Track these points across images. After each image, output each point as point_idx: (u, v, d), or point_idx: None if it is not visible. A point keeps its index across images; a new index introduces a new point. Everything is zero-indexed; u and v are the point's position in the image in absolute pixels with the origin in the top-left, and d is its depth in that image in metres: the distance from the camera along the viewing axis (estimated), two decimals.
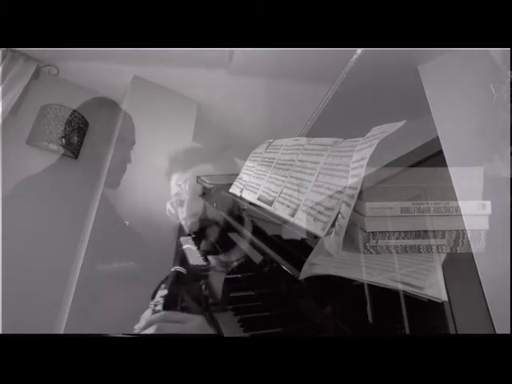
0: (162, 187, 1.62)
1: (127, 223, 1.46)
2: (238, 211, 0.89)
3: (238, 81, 1.76)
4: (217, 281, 0.78)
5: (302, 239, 0.60)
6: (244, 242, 0.85)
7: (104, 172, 1.55)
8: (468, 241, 0.43)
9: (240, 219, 0.84)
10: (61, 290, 1.31)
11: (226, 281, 0.84)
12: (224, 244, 0.89)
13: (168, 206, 0.91)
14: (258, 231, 0.77)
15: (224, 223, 1.00)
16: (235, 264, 0.77)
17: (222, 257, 0.82)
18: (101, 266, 1.29)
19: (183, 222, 0.85)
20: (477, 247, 0.43)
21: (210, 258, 0.78)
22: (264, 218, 0.75)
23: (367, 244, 0.45)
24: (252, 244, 0.80)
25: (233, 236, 0.96)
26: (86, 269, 1.31)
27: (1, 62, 1.49)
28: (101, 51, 1.57)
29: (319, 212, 0.57)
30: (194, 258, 1.03)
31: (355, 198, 0.46)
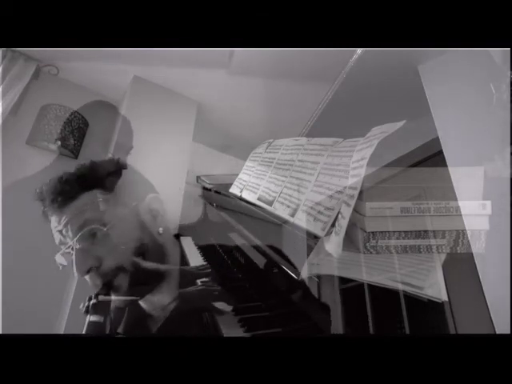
0: (163, 187, 1.62)
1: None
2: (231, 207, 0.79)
3: (237, 81, 1.76)
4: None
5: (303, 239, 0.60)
6: (242, 241, 0.80)
7: None
8: (468, 241, 0.43)
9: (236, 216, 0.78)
10: (61, 290, 1.31)
11: (226, 281, 0.84)
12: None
13: (58, 259, 0.64)
14: (256, 231, 0.75)
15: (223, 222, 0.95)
16: (171, 307, 0.59)
17: (154, 299, 0.61)
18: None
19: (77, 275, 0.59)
20: (477, 247, 0.43)
21: (141, 302, 0.58)
22: (264, 217, 0.75)
23: (367, 244, 0.45)
24: (252, 244, 0.80)
25: (233, 236, 0.96)
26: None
27: (1, 61, 1.49)
28: (101, 51, 1.57)
29: (319, 212, 0.57)
30: (194, 258, 1.03)
31: (355, 198, 0.46)
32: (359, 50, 0.78)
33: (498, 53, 0.53)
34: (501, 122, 0.50)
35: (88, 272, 0.58)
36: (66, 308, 1.25)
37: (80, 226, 0.60)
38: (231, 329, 0.65)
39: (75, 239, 0.58)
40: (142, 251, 0.62)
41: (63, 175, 0.68)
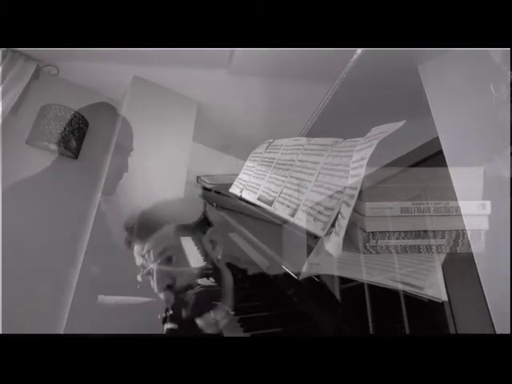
0: (162, 187, 1.62)
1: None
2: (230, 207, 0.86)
3: (237, 81, 1.76)
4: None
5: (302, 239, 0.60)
6: (242, 241, 0.83)
7: (104, 172, 1.54)
8: (468, 241, 0.43)
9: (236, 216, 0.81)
10: (61, 290, 1.31)
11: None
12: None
13: (138, 278, 0.81)
14: (256, 231, 0.76)
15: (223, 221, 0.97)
16: (224, 322, 0.69)
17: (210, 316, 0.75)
18: (101, 265, 1.29)
19: (160, 295, 0.75)
20: (477, 247, 0.43)
21: (198, 321, 0.69)
22: (264, 217, 0.75)
23: (367, 244, 0.45)
24: (252, 244, 0.80)
25: (233, 236, 0.96)
26: (86, 268, 1.31)
27: (1, 62, 1.49)
28: (101, 51, 1.57)
29: (319, 212, 0.57)
30: (194, 258, 1.02)
31: (355, 198, 0.46)
32: (359, 50, 0.78)
33: (498, 53, 0.53)
34: (501, 122, 0.50)
35: (165, 289, 0.72)
36: (65, 308, 1.25)
37: (159, 252, 0.75)
38: (231, 329, 0.65)
39: (156, 263, 0.74)
40: (204, 274, 0.76)
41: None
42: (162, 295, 0.73)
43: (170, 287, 0.72)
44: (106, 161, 1.57)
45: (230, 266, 0.85)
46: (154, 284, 0.74)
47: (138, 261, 0.79)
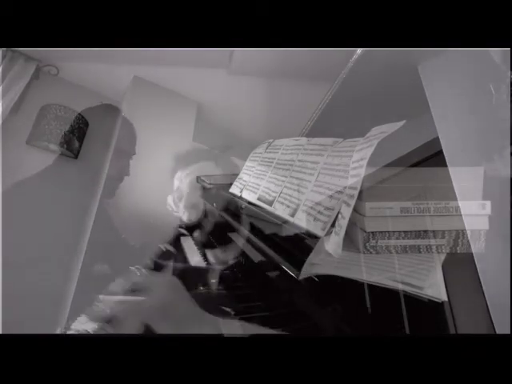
0: (162, 186, 1.62)
1: (123, 236, 1.43)
2: (236, 210, 0.89)
3: (238, 81, 1.76)
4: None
5: (302, 239, 0.60)
6: (242, 241, 0.85)
7: (104, 172, 1.54)
8: (468, 241, 0.43)
9: (238, 218, 0.84)
10: (61, 290, 1.31)
11: (226, 280, 0.84)
12: (221, 241, 0.90)
13: (169, 199, 0.94)
14: (256, 231, 0.76)
15: (223, 221, 1.00)
16: (232, 262, 0.78)
17: (219, 253, 0.82)
18: (100, 265, 1.29)
19: (181, 214, 0.87)
20: (477, 247, 0.43)
21: (207, 252, 0.79)
22: (264, 217, 0.75)
23: (367, 244, 0.45)
24: (252, 244, 0.80)
25: (233, 236, 0.96)
26: (86, 268, 1.31)
27: (1, 62, 1.49)
28: (101, 51, 1.58)
29: (319, 212, 0.57)
30: (194, 258, 1.03)
31: (355, 198, 0.46)
32: (359, 50, 0.78)
33: (498, 53, 0.53)
34: (501, 122, 0.50)
35: (192, 207, 0.82)
36: (66, 308, 1.25)
37: (192, 179, 0.87)
38: (231, 329, 0.65)
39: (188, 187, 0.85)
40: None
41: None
42: (187, 213, 0.86)
43: (195, 208, 0.84)
44: (106, 161, 1.56)
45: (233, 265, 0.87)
46: (182, 202, 0.80)
47: (176, 183, 0.88)
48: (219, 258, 0.79)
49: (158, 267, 0.78)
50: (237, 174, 1.05)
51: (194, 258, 0.98)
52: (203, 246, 0.93)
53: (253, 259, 0.80)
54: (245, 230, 0.81)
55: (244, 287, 0.83)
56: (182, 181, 0.89)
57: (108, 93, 1.90)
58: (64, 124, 1.60)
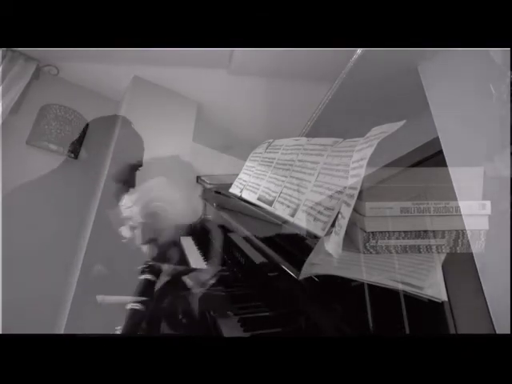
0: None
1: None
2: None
3: (238, 81, 1.76)
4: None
5: (302, 238, 0.60)
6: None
7: (104, 172, 1.54)
8: (468, 241, 0.43)
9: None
10: (61, 290, 1.31)
11: (226, 280, 0.84)
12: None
13: (123, 233, 0.81)
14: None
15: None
16: (211, 282, 0.71)
17: (198, 275, 0.76)
18: (100, 265, 1.29)
19: (141, 242, 0.77)
20: (477, 247, 0.43)
21: (183, 278, 0.72)
22: (264, 217, 0.75)
23: (367, 244, 0.45)
24: (252, 244, 0.80)
25: (233, 236, 0.96)
26: (86, 268, 1.31)
27: (1, 61, 1.49)
28: (101, 51, 1.57)
29: (319, 212, 0.57)
30: (195, 258, 1.03)
31: (355, 198, 0.46)
32: (359, 50, 0.78)
33: (498, 53, 0.53)
34: (501, 122, 0.50)
35: (149, 242, 0.71)
36: (66, 308, 1.25)
37: (146, 204, 0.72)
38: (231, 329, 0.65)
39: (141, 215, 0.71)
40: (191, 231, 0.80)
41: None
42: (145, 248, 0.74)
43: (153, 241, 0.71)
44: (106, 161, 1.56)
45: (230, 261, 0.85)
46: (137, 236, 0.71)
47: (125, 212, 0.76)
48: (199, 280, 0.74)
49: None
50: (237, 174, 1.05)
51: (194, 258, 0.98)
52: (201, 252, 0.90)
53: (253, 259, 0.80)
54: (244, 230, 0.80)
55: (244, 287, 0.83)
56: (133, 210, 0.78)
57: (108, 93, 1.90)
58: (64, 124, 1.60)
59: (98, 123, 1.64)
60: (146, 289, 0.67)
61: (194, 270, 0.81)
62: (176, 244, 0.72)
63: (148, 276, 0.68)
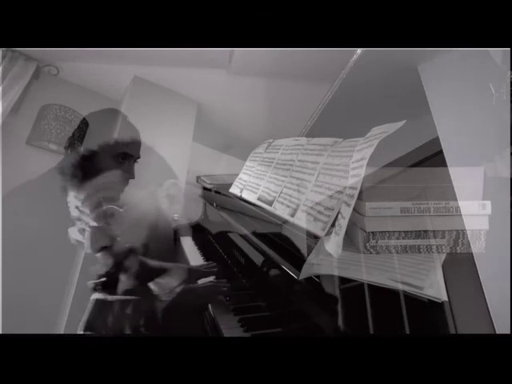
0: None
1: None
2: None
3: (238, 81, 1.76)
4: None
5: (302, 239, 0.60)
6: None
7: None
8: (468, 241, 0.43)
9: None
10: (61, 290, 1.31)
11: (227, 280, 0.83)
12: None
13: (71, 234, 0.61)
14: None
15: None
16: (178, 289, 0.61)
17: (163, 281, 0.62)
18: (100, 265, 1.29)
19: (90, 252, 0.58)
20: (477, 247, 0.43)
21: (150, 284, 0.58)
22: (264, 217, 0.75)
23: (367, 244, 0.45)
24: (252, 244, 0.80)
25: (233, 236, 0.96)
26: (86, 268, 1.31)
27: (1, 62, 1.49)
28: (101, 51, 1.57)
29: (319, 212, 0.57)
30: (194, 257, 1.03)
31: (355, 198, 0.46)
32: (359, 50, 0.78)
33: (498, 53, 0.53)
34: (501, 122, 0.50)
35: (101, 250, 0.58)
36: (65, 308, 1.25)
37: (97, 204, 0.58)
38: (231, 329, 0.65)
39: (91, 217, 0.57)
40: (154, 236, 0.65)
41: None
42: (98, 257, 0.58)
43: (106, 249, 0.57)
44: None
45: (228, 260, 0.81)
46: (87, 242, 0.58)
47: (73, 212, 0.62)
48: (163, 287, 0.63)
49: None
50: (237, 174, 1.05)
51: (194, 258, 0.98)
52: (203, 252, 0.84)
53: (253, 259, 0.80)
54: (244, 230, 0.80)
55: (244, 287, 0.83)
56: (82, 210, 0.59)
57: (108, 93, 1.90)
58: (64, 124, 1.60)
59: (95, 117, 1.64)
60: (100, 311, 0.53)
61: (192, 267, 0.77)
62: (132, 251, 0.58)
63: (100, 296, 0.54)
